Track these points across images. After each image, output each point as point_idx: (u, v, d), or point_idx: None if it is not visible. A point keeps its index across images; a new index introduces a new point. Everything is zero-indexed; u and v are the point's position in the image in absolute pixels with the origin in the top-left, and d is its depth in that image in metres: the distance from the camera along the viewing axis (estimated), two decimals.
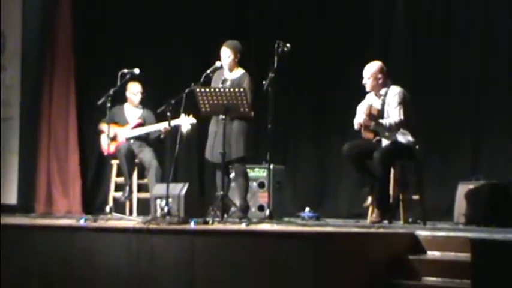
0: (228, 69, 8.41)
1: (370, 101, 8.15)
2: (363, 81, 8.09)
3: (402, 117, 7.94)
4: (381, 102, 8.06)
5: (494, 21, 9.23)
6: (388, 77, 8.11)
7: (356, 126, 8.12)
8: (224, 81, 8.43)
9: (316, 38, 10.13)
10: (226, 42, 8.43)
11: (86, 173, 10.92)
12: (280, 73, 7.97)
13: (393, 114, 7.97)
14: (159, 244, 6.85)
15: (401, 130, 7.99)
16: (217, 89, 8.00)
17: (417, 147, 8.02)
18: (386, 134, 8.02)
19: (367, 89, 8.12)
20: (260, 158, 9.16)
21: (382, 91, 8.09)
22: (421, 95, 8.95)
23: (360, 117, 8.06)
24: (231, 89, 7.94)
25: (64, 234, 7.52)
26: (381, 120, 7.98)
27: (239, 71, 8.43)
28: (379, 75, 8.08)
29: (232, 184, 8.86)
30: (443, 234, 6.70)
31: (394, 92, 8.04)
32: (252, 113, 8.11)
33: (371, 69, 8.10)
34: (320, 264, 6.04)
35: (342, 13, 10.15)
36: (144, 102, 9.73)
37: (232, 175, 8.67)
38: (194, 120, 8.67)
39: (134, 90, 9.66)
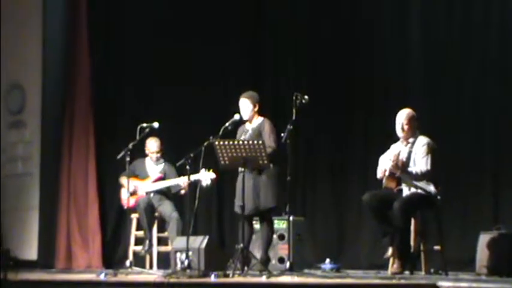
0: (248, 120, 8.42)
1: (398, 149, 8.14)
2: (397, 124, 8.09)
3: (429, 167, 7.94)
4: (408, 150, 8.06)
5: None
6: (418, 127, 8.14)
7: (379, 175, 8.11)
8: (246, 132, 8.43)
9: (334, 89, 10.13)
10: (244, 94, 8.45)
11: (105, 227, 10.90)
12: (299, 124, 7.99)
13: (420, 163, 7.97)
14: None
15: (425, 181, 7.97)
16: (235, 142, 8.00)
17: (439, 197, 7.99)
18: (413, 182, 7.97)
19: (399, 133, 8.11)
20: (280, 209, 9.13)
21: (411, 139, 8.10)
22: (441, 144, 8.92)
23: (386, 164, 8.05)
24: (249, 142, 7.94)
25: None
26: (407, 168, 7.96)
27: (259, 119, 8.44)
28: (415, 122, 8.11)
29: (253, 236, 8.79)
30: (466, 285, 6.64)
31: (422, 142, 8.05)
32: (271, 165, 8.10)
33: (407, 115, 8.11)
34: None
35: (356, 64, 10.15)
36: (164, 156, 9.74)
37: (256, 226, 8.60)
38: (214, 175, 8.71)
39: (152, 150, 9.66)
